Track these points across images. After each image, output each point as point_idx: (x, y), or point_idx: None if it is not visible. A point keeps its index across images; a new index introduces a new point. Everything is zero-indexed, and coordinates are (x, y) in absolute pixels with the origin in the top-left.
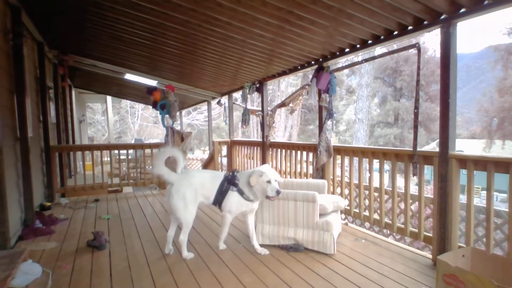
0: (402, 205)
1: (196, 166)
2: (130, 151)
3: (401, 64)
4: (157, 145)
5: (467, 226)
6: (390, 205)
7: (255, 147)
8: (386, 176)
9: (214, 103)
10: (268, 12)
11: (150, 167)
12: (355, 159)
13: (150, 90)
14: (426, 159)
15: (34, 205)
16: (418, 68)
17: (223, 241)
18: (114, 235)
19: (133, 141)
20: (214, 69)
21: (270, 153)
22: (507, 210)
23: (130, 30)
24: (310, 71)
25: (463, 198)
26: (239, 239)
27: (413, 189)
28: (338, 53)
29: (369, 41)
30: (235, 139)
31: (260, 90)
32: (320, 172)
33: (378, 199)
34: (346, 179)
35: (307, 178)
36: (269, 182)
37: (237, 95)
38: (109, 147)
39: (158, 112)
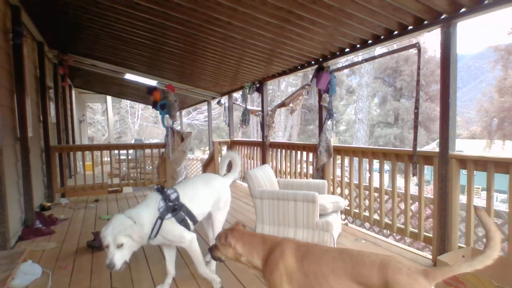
0: (402, 206)
1: (196, 166)
2: (130, 151)
3: (401, 64)
4: (157, 145)
5: (467, 227)
6: (390, 205)
7: (255, 147)
8: (386, 176)
9: (214, 103)
10: (268, 11)
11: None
12: (355, 159)
13: (150, 90)
14: (426, 159)
15: (34, 205)
16: (418, 68)
17: None
18: None
19: (133, 141)
20: (214, 69)
21: (270, 153)
22: (507, 210)
23: (130, 29)
24: (310, 71)
25: (463, 199)
26: None
27: (413, 190)
28: (338, 53)
29: (369, 41)
30: (235, 139)
31: (260, 90)
32: (320, 172)
33: (378, 200)
34: (346, 179)
35: (307, 178)
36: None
37: (237, 95)
38: (109, 147)
39: (158, 112)
